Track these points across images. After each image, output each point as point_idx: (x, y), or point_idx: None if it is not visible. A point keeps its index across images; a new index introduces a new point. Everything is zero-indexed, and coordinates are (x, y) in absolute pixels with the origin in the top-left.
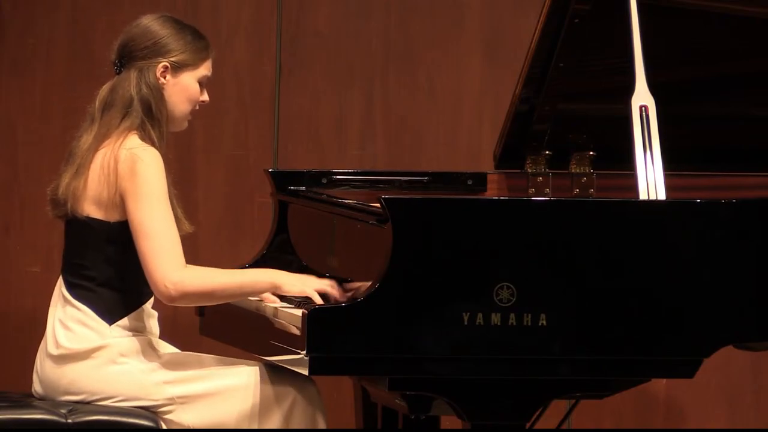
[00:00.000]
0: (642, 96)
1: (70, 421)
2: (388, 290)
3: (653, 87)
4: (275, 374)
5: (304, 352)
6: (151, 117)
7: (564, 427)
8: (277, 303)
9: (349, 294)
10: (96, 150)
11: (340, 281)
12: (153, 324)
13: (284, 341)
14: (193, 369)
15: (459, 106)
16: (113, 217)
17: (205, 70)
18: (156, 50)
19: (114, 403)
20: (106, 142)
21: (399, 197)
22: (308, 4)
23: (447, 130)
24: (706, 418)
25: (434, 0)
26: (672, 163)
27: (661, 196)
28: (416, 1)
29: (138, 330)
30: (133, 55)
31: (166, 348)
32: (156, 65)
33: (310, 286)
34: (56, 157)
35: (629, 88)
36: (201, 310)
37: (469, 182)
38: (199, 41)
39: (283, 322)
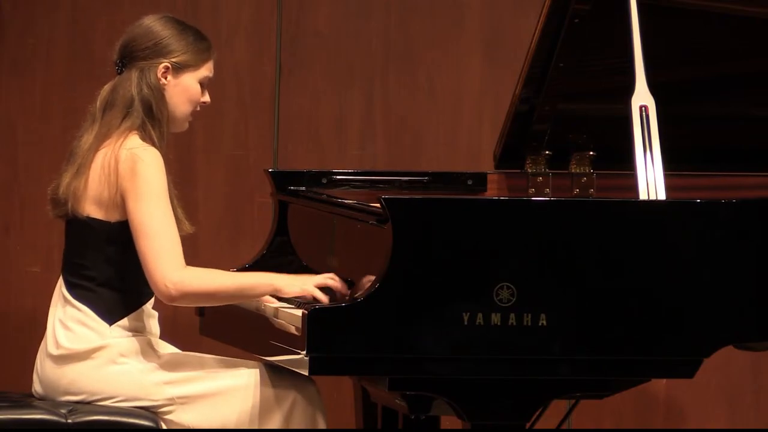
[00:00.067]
0: (642, 96)
1: (70, 421)
2: (388, 290)
3: (653, 87)
4: (275, 374)
5: (304, 352)
6: (152, 117)
7: (564, 427)
8: (277, 303)
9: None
10: (97, 150)
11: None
12: (153, 324)
13: (284, 341)
14: (193, 369)
15: (459, 106)
16: (114, 217)
17: (206, 71)
18: (157, 50)
19: (114, 403)
20: (107, 142)
21: (399, 197)
22: (308, 4)
23: (447, 130)
24: (706, 418)
25: (434, 0)
26: (672, 163)
27: (661, 196)
28: (416, 1)
29: (138, 330)
30: (134, 55)
31: (166, 348)
32: (157, 65)
33: (309, 283)
34: (56, 157)
35: (629, 88)
36: (201, 311)
37: (469, 182)
38: (200, 42)
39: (284, 322)
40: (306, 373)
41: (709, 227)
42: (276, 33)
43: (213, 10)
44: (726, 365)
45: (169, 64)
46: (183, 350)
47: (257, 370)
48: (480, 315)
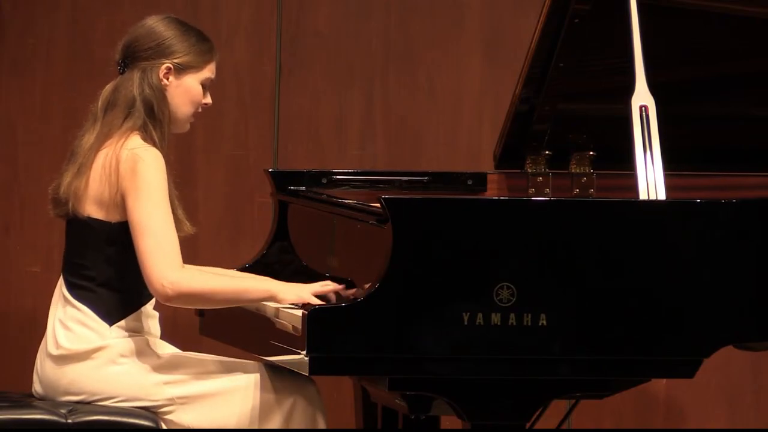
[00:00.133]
0: (642, 96)
1: (70, 421)
2: (388, 290)
3: (653, 87)
4: (275, 374)
5: (304, 352)
6: (153, 118)
7: (564, 427)
8: (277, 303)
9: (350, 292)
10: (98, 150)
11: (340, 282)
12: (154, 325)
13: (284, 341)
14: (193, 369)
15: (459, 106)
16: (114, 217)
17: (208, 72)
18: (160, 51)
19: (114, 403)
20: (108, 142)
21: (399, 197)
22: (308, 4)
23: (447, 130)
24: (706, 418)
25: (434, 0)
26: (672, 163)
27: (661, 196)
28: (416, 1)
29: (138, 331)
30: (136, 55)
31: (166, 348)
32: (159, 66)
33: (306, 290)
34: (56, 157)
35: (629, 88)
36: (201, 311)
37: (469, 182)
38: (203, 43)
39: (284, 322)
40: (306, 373)
41: (709, 227)
42: (276, 33)
43: (213, 10)
44: (726, 365)
45: (171, 65)
46: (183, 350)
47: (257, 371)
48: (480, 315)
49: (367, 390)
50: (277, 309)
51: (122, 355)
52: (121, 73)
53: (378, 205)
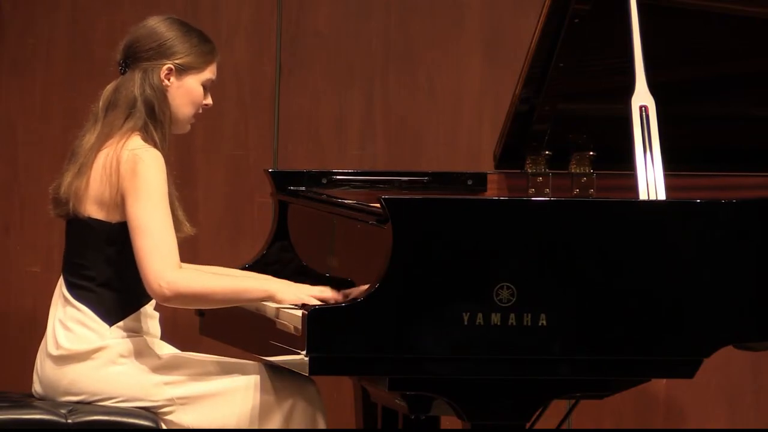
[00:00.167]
0: (642, 96)
1: (70, 421)
2: (388, 290)
3: (653, 87)
4: (275, 374)
5: (304, 352)
6: (154, 118)
7: (564, 427)
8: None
9: (348, 295)
10: (98, 150)
11: (339, 283)
12: (153, 325)
13: (284, 341)
14: (193, 370)
15: (459, 106)
16: (114, 217)
17: (209, 73)
18: (161, 52)
19: (114, 403)
20: (109, 142)
21: (399, 197)
22: (308, 4)
23: (447, 130)
24: (706, 418)
25: (434, 0)
26: (672, 163)
27: (661, 196)
28: (416, 1)
29: (138, 331)
30: (138, 55)
31: (166, 349)
32: (161, 67)
33: (305, 293)
34: (56, 157)
35: (629, 88)
36: (201, 311)
37: (469, 182)
38: (204, 44)
39: (285, 322)
40: (306, 373)
41: (709, 227)
42: (276, 33)
43: (213, 10)
44: (726, 365)
45: (172, 66)
46: (183, 350)
47: (257, 371)
48: (480, 315)
49: (367, 390)
50: (278, 309)
51: (122, 356)
52: (122, 74)
53: (378, 205)
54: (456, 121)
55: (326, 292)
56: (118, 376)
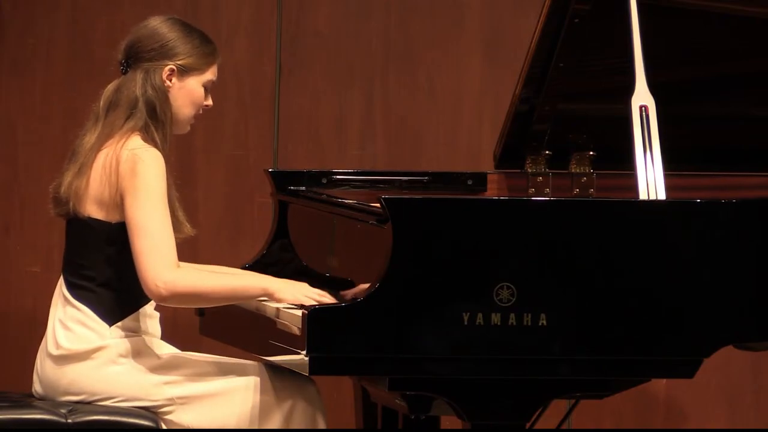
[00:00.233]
0: (642, 96)
1: (70, 421)
2: (388, 290)
3: (653, 87)
4: (275, 374)
5: (304, 352)
6: (155, 119)
7: (564, 427)
8: (276, 302)
9: (347, 297)
10: (99, 149)
11: (339, 283)
12: (153, 325)
13: (284, 341)
14: (193, 370)
15: (459, 106)
16: (114, 217)
17: (211, 74)
18: (163, 53)
19: (114, 403)
20: (109, 142)
21: (399, 197)
22: (308, 4)
23: (447, 130)
24: (706, 418)
25: (434, 0)
26: (672, 163)
27: (661, 196)
28: (416, 1)
29: (138, 331)
30: (139, 56)
31: (166, 349)
32: (162, 67)
33: (303, 294)
34: (56, 157)
35: (629, 88)
36: (201, 310)
37: (469, 182)
38: (206, 46)
39: (285, 322)
40: (306, 373)
41: (709, 227)
42: (276, 33)
43: (213, 10)
44: (726, 365)
45: (174, 67)
46: (183, 350)
47: (257, 371)
48: (480, 315)
49: (367, 390)
50: (278, 309)
51: (122, 355)
52: (124, 73)
53: (378, 205)
54: (456, 121)
55: (325, 298)
56: (118, 376)
